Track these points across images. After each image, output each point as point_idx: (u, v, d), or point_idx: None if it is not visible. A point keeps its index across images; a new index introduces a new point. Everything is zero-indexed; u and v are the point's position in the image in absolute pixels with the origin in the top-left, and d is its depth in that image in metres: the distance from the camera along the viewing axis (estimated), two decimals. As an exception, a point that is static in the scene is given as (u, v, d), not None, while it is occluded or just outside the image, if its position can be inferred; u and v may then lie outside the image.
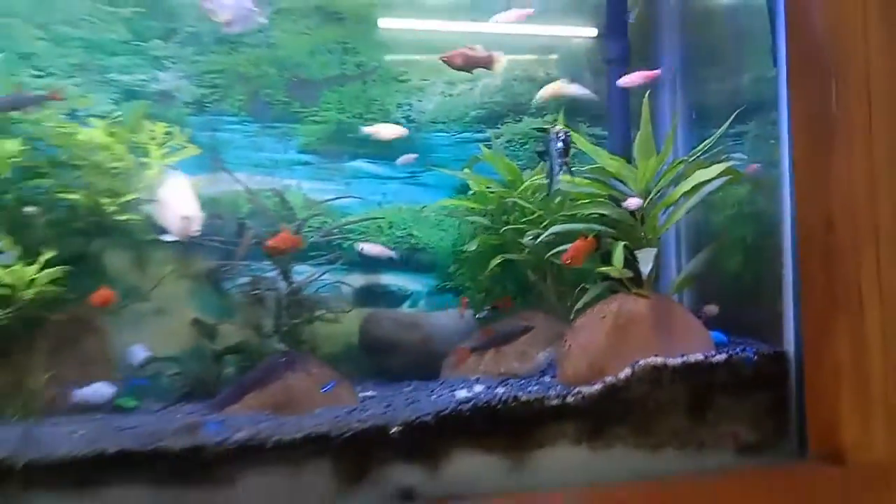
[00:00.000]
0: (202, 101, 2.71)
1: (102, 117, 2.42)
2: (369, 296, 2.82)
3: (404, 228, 2.89)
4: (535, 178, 2.62)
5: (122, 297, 2.39)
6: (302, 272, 2.62)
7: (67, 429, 1.91)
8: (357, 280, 2.82)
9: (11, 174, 2.13)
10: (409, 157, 2.76)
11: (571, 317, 2.30)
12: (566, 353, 2.18)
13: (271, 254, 2.37)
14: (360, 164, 2.87)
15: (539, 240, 2.42)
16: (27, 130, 2.24)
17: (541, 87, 2.80)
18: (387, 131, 2.63)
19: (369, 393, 2.37)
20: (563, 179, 2.18)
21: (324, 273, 2.62)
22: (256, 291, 2.53)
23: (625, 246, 2.22)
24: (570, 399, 1.88)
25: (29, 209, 2.10)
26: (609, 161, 2.36)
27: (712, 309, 2.36)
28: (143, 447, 1.71)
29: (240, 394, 2.10)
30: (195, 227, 2.23)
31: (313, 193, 2.79)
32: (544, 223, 2.51)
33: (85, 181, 2.22)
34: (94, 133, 2.21)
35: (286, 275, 2.49)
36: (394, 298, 2.88)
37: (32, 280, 2.01)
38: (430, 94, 2.94)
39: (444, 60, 2.33)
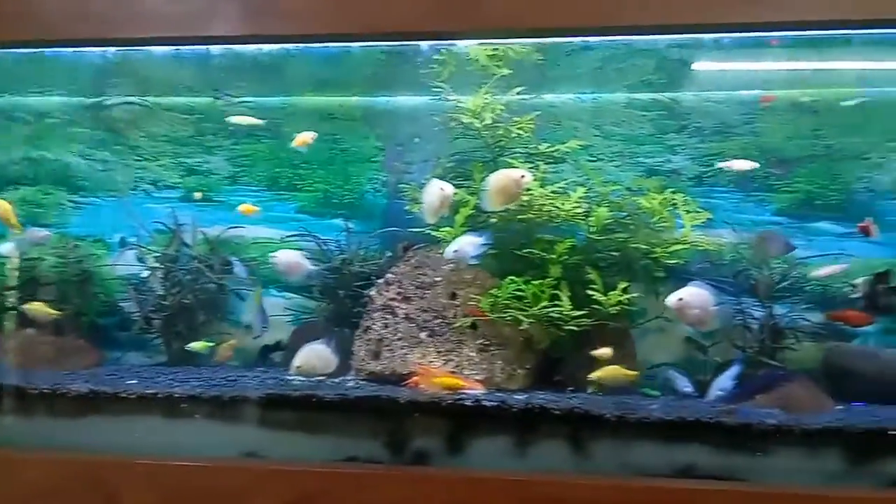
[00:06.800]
0: (700, 176, 3.70)
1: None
2: (825, 330, 3.54)
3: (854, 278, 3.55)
4: None
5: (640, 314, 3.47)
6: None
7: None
8: (814, 317, 3.56)
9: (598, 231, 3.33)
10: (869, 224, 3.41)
11: None
12: None
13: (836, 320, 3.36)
14: (822, 225, 3.62)
15: None
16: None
17: None
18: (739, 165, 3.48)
19: (839, 406, 3.08)
20: None
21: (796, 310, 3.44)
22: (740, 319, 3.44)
23: None
24: None
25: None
26: None
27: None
28: (710, 419, 2.67)
29: (751, 393, 2.99)
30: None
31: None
32: None
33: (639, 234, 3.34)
34: (649, 200, 3.31)
35: (770, 310, 3.36)
36: (845, 335, 3.55)
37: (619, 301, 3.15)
38: (888, 169, 3.56)
39: None
